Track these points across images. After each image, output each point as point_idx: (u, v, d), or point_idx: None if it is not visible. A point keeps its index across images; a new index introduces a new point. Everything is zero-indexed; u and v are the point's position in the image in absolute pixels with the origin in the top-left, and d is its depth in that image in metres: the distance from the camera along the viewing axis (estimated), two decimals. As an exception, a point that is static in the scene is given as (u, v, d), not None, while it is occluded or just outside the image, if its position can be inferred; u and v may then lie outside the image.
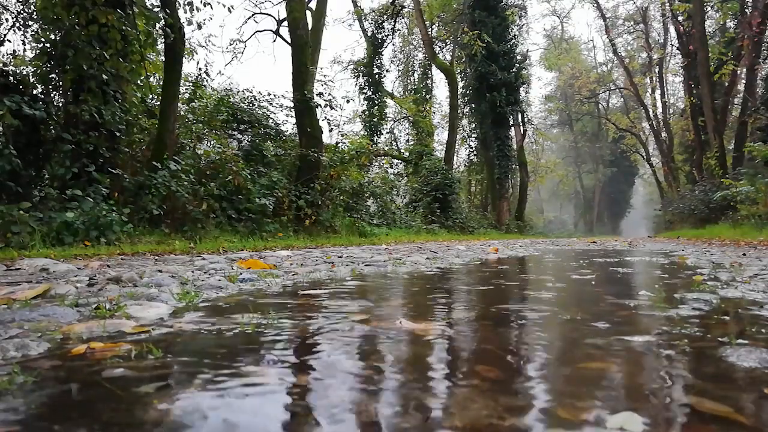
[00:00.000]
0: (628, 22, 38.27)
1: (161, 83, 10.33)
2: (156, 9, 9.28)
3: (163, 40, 10.08)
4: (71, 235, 6.20)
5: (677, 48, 30.76)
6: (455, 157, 30.26)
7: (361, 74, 28.74)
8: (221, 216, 9.67)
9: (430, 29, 28.31)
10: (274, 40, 21.98)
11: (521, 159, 32.16)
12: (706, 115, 21.68)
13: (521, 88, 30.37)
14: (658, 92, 37.17)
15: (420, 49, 32.06)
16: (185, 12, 10.35)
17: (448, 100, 28.45)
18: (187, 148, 11.11)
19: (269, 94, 14.97)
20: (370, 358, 1.23)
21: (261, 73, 47.66)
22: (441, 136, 35.34)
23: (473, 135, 32.16)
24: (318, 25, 17.97)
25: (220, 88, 15.06)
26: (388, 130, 31.28)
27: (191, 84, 13.79)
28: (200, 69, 15.46)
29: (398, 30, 30.95)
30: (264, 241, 9.32)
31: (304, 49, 13.01)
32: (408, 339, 1.44)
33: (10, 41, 8.83)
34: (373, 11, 29.51)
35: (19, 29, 8.56)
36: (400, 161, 28.43)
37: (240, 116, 13.57)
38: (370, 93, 28.52)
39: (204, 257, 5.22)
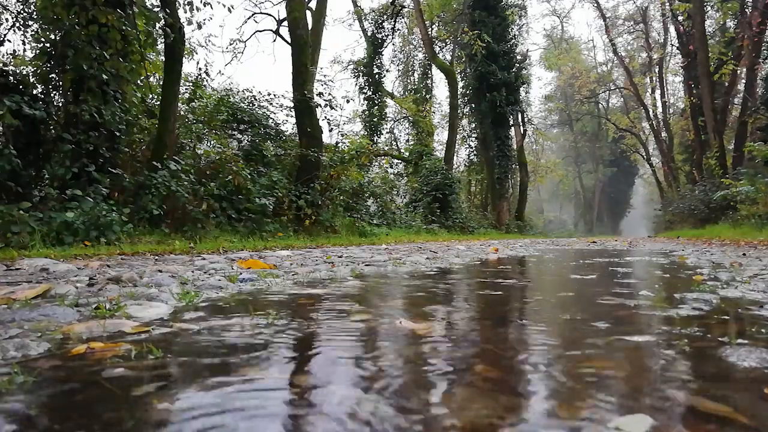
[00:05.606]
0: (628, 22, 38.33)
1: (161, 83, 10.33)
2: (156, 9, 9.30)
3: (163, 40, 10.09)
4: (71, 235, 6.19)
5: (677, 48, 30.80)
6: (455, 157, 30.28)
7: (361, 74, 28.73)
8: (221, 216, 9.67)
9: (430, 29, 28.29)
10: (274, 40, 21.99)
11: (521, 159, 32.18)
12: (706, 115, 21.70)
13: (521, 88, 30.38)
14: (658, 92, 37.24)
15: (420, 49, 32.08)
16: (185, 12, 10.38)
17: (448, 100, 28.45)
18: (187, 148, 11.12)
19: (269, 94, 15.00)
20: (370, 357, 1.23)
21: (261, 73, 47.72)
22: (441, 136, 35.39)
23: (473, 135, 32.17)
24: (318, 25, 17.96)
25: (220, 88, 15.08)
26: (388, 130, 31.32)
27: (191, 84, 13.79)
28: (200, 69, 15.48)
29: (398, 30, 30.95)
30: (264, 241, 9.31)
31: (304, 49, 13.01)
32: (408, 338, 1.44)
33: (10, 41, 8.85)
34: (373, 11, 29.50)
35: (19, 29, 8.57)
36: (400, 161, 28.43)
37: (240, 116, 13.57)
38: (370, 93, 28.51)
39: (204, 257, 5.22)
